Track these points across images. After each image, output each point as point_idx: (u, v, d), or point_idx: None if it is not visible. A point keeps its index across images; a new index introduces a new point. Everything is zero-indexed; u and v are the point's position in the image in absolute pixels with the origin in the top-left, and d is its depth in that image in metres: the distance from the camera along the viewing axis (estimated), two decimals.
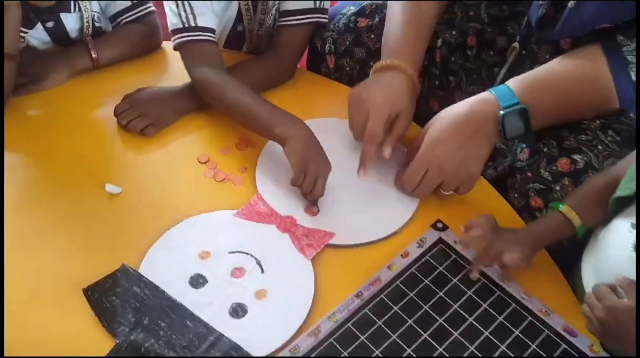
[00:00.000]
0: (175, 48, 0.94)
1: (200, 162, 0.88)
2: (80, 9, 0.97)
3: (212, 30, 0.94)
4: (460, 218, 0.83)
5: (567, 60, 0.81)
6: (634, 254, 0.65)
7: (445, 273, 0.78)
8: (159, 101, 0.93)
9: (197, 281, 0.75)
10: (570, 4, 0.78)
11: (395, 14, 0.95)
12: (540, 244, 0.75)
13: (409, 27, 0.93)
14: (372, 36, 1.05)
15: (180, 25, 0.92)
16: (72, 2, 0.96)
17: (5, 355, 0.63)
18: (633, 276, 0.65)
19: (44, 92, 0.96)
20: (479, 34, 1.05)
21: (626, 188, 0.68)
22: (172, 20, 0.93)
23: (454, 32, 1.04)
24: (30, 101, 0.95)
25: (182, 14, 0.92)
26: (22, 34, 0.95)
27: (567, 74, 0.79)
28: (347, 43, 1.06)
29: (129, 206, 0.82)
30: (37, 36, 0.97)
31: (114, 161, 0.89)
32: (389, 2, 0.98)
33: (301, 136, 0.82)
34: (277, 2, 1.01)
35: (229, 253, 0.77)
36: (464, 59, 1.06)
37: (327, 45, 1.07)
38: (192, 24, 0.92)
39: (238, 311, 0.72)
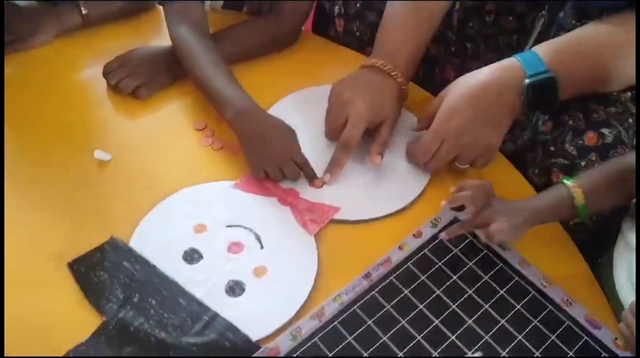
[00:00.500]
0: (160, 2, 0.87)
1: (196, 129, 0.82)
2: None
3: None
4: None
5: (598, 26, 0.74)
6: None
7: (460, 255, 0.72)
8: (153, 60, 0.86)
9: (192, 256, 0.69)
10: None
11: (396, 13, 0.87)
12: (537, 219, 0.68)
13: (410, 30, 0.85)
14: None
15: None
16: None
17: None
18: None
19: (30, 52, 0.90)
20: None
21: None
22: None
23: None
24: (13, 60, 0.88)
25: None
26: None
27: (598, 40, 0.72)
28: (358, 5, 0.99)
29: (119, 174, 0.77)
30: None
31: (103, 126, 0.82)
32: (388, 2, 0.89)
33: (247, 132, 0.76)
34: None
35: (227, 227, 0.72)
36: (481, 25, 0.99)
37: (337, 7, 1.01)
38: None
39: (235, 289, 0.67)
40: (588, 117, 0.74)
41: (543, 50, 0.73)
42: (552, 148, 0.76)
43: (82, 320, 0.63)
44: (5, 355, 0.59)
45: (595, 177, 0.68)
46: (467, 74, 0.75)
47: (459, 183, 0.70)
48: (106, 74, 0.85)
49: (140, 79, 0.83)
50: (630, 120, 0.72)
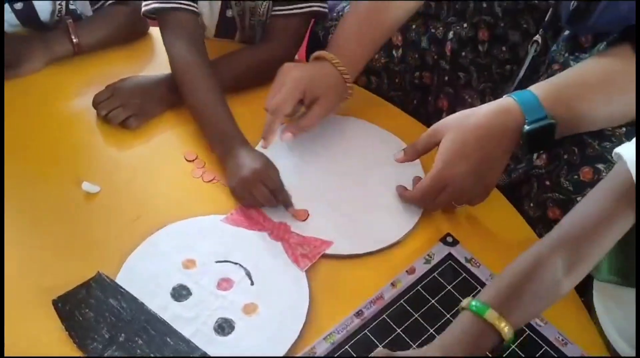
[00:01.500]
0: (145, 14, 0.88)
1: (187, 160, 0.81)
2: None
3: None
4: (470, 230, 0.77)
5: (595, 64, 0.73)
6: None
7: (454, 292, 0.71)
8: (144, 90, 0.85)
9: (180, 293, 0.68)
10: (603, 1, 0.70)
11: (357, 11, 0.89)
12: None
13: (366, 29, 0.87)
14: None
15: None
16: None
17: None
18: None
19: (19, 79, 0.88)
20: (492, 27, 0.98)
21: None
22: None
23: (465, 25, 0.98)
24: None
25: None
26: None
27: (596, 79, 0.71)
28: None
29: (107, 207, 0.75)
30: (5, 18, 0.89)
31: (92, 157, 0.81)
32: (352, 2, 0.91)
33: (234, 167, 0.77)
34: None
35: (216, 262, 0.70)
36: (474, 54, 0.99)
37: (330, 35, 1.00)
38: None
39: (224, 327, 0.65)
40: (583, 151, 0.73)
41: (542, 93, 0.71)
42: (547, 182, 0.75)
43: None
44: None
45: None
46: (463, 114, 0.74)
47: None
48: (96, 104, 0.84)
49: (131, 110, 0.82)
50: None
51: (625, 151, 0.58)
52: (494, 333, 0.55)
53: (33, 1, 0.89)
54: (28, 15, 0.90)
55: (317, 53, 0.84)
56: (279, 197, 0.75)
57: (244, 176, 0.75)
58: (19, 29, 0.92)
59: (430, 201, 0.74)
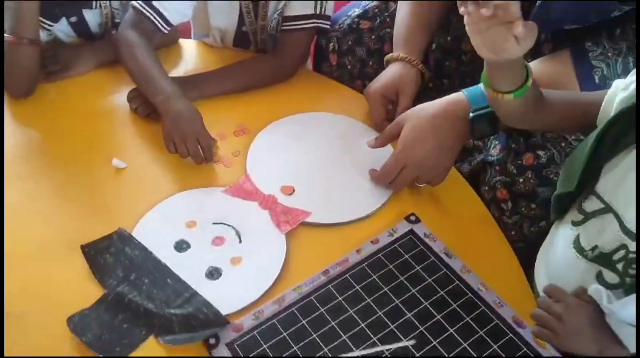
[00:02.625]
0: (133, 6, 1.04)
1: None
2: (100, 6, 1.08)
3: (164, 19, 1.03)
4: (432, 211, 0.89)
5: (538, 65, 0.85)
6: (574, 252, 0.69)
7: (411, 261, 0.82)
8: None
9: (181, 246, 0.83)
10: (538, 2, 0.82)
11: (402, 5, 1.06)
12: None
13: (412, 19, 1.04)
14: (373, 37, 1.12)
15: None
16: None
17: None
18: (576, 274, 0.69)
19: (71, 79, 1.07)
20: None
21: (565, 186, 0.71)
22: None
23: (448, 38, 1.10)
24: (57, 86, 1.06)
25: None
26: (48, 28, 1.07)
27: (537, 78, 0.83)
28: (350, 43, 1.13)
29: (131, 179, 0.92)
30: (62, 30, 1.09)
31: (122, 141, 0.99)
32: (399, 2, 1.07)
33: (170, 111, 0.92)
34: (278, 8, 1.09)
35: (213, 224, 0.85)
36: (457, 64, 1.11)
37: (332, 44, 1.15)
38: (153, 4, 1.02)
39: (214, 273, 0.80)
40: (527, 141, 0.85)
41: None
42: (497, 168, 0.87)
43: (87, 292, 0.77)
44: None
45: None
46: (421, 106, 0.87)
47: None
48: (129, 99, 1.02)
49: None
50: (563, 144, 0.82)
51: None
52: None
53: (85, 16, 1.09)
54: (80, 28, 1.10)
55: (390, 55, 1.02)
56: (206, 153, 0.90)
57: (167, 128, 0.91)
58: (73, 39, 1.12)
59: (392, 179, 0.87)
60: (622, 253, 0.64)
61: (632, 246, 0.64)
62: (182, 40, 1.17)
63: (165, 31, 1.05)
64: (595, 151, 0.66)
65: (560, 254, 0.73)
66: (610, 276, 0.66)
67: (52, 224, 0.86)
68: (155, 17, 1.03)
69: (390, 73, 1.01)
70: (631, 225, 0.64)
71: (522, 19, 0.61)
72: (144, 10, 1.02)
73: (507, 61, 0.67)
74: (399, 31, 1.06)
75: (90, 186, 0.91)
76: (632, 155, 0.64)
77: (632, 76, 0.67)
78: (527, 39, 0.63)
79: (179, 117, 0.91)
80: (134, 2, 1.04)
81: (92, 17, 1.09)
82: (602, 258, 0.66)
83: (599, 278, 0.67)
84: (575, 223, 0.70)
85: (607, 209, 0.66)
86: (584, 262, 0.69)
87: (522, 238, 0.84)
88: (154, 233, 0.84)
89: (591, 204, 0.68)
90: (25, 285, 0.78)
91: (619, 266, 0.65)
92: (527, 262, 0.82)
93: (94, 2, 1.07)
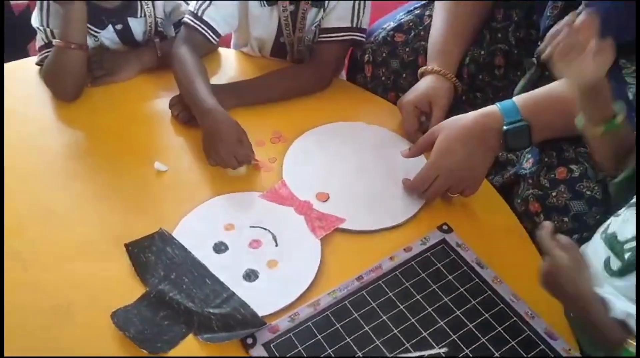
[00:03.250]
0: (182, 23, 1.09)
1: None
2: (145, 15, 1.13)
3: (214, 31, 1.08)
4: (464, 221, 0.90)
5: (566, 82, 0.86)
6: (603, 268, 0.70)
7: (443, 269, 0.84)
8: None
9: (220, 248, 0.86)
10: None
11: (437, 17, 1.08)
12: None
13: (447, 32, 1.07)
14: (407, 49, 1.15)
15: (194, 12, 1.08)
16: (139, 8, 1.12)
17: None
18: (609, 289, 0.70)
19: (116, 85, 1.12)
20: (507, 55, 1.12)
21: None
22: (193, 4, 1.09)
23: (482, 52, 1.12)
24: (102, 91, 1.11)
25: (200, 4, 1.08)
26: (95, 34, 1.12)
27: (568, 93, 0.85)
28: (384, 55, 1.16)
29: (172, 182, 0.96)
30: (108, 37, 1.14)
31: (164, 144, 1.03)
32: (434, 14, 1.10)
33: (209, 126, 0.96)
34: (316, 21, 1.12)
35: (250, 227, 0.88)
36: (491, 78, 1.13)
37: (367, 55, 1.17)
38: (200, 15, 1.07)
39: (250, 275, 0.83)
40: (560, 155, 0.86)
41: (520, 100, 0.86)
42: (530, 181, 0.88)
43: (130, 289, 0.81)
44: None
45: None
46: (455, 117, 0.89)
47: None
48: (170, 106, 1.06)
49: None
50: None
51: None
52: None
53: (130, 24, 1.14)
54: (125, 35, 1.15)
55: (424, 69, 1.05)
56: (238, 158, 0.93)
57: (206, 141, 0.95)
58: (119, 47, 1.16)
59: (425, 188, 0.89)
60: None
61: None
62: (221, 49, 1.21)
63: (215, 42, 1.10)
64: None
65: (591, 248, 0.74)
66: (615, 263, 0.68)
67: (98, 222, 0.90)
68: (205, 30, 1.08)
69: (424, 85, 1.03)
70: None
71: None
72: (195, 25, 1.07)
73: (590, 84, 0.70)
74: (433, 44, 1.08)
75: (133, 188, 0.95)
76: None
77: None
78: (602, 56, 0.67)
79: (217, 132, 0.94)
80: (185, 19, 1.09)
81: (137, 26, 1.14)
82: (613, 244, 0.68)
83: (607, 267, 0.69)
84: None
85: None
86: (602, 246, 0.71)
87: None
88: (194, 234, 0.87)
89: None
90: (72, 279, 0.82)
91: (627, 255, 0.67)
92: None
93: (139, 10, 1.12)
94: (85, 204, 0.92)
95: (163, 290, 0.80)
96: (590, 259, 0.70)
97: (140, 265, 0.84)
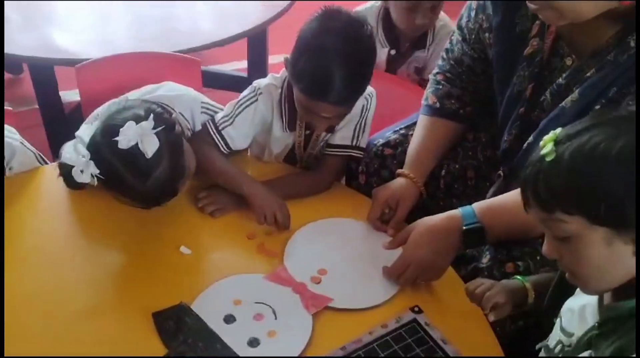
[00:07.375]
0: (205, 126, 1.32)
1: (248, 238, 1.21)
2: None
3: (227, 144, 1.31)
4: (433, 304, 1.08)
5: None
6: None
7: (413, 344, 1.01)
8: (225, 193, 1.27)
9: (229, 319, 1.05)
10: (529, 140, 1.07)
11: (417, 131, 1.32)
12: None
13: (422, 146, 1.30)
14: (395, 162, 1.37)
15: (216, 122, 1.30)
16: None
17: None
18: None
19: None
20: (477, 169, 1.34)
21: None
22: (218, 116, 1.32)
23: (457, 166, 1.35)
24: None
25: (224, 118, 1.31)
26: None
27: (518, 202, 1.05)
28: (376, 166, 1.39)
29: (194, 263, 1.16)
30: None
31: (189, 230, 1.24)
32: (416, 126, 1.34)
33: (256, 194, 1.21)
34: (325, 139, 1.37)
35: (255, 302, 1.07)
36: (464, 187, 1.34)
37: (361, 166, 1.40)
38: (220, 129, 1.30)
39: (253, 343, 1.01)
40: (510, 253, 1.06)
41: (478, 206, 1.07)
42: (485, 273, 1.07)
43: (153, 349, 0.99)
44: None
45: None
46: (426, 218, 1.10)
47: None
48: (197, 200, 1.28)
49: (217, 205, 1.25)
50: (537, 257, 1.03)
51: None
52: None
53: None
54: None
55: (400, 171, 1.27)
56: (279, 219, 1.19)
57: (256, 206, 1.20)
58: None
59: (399, 275, 1.08)
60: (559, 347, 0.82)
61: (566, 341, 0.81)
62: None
63: (225, 152, 1.33)
64: None
65: None
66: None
67: (130, 293, 1.10)
68: (220, 142, 1.31)
69: (397, 185, 1.25)
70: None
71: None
72: (213, 135, 1.31)
73: None
74: (410, 154, 1.31)
75: (162, 266, 1.15)
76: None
77: None
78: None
79: (262, 198, 1.21)
80: (207, 123, 1.32)
81: None
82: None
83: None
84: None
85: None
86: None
87: (503, 334, 1.02)
88: (208, 307, 1.06)
89: None
90: (102, 339, 1.01)
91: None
92: (508, 353, 0.99)
93: None
94: (123, 277, 1.13)
95: (182, 351, 0.98)
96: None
97: (163, 330, 1.02)
